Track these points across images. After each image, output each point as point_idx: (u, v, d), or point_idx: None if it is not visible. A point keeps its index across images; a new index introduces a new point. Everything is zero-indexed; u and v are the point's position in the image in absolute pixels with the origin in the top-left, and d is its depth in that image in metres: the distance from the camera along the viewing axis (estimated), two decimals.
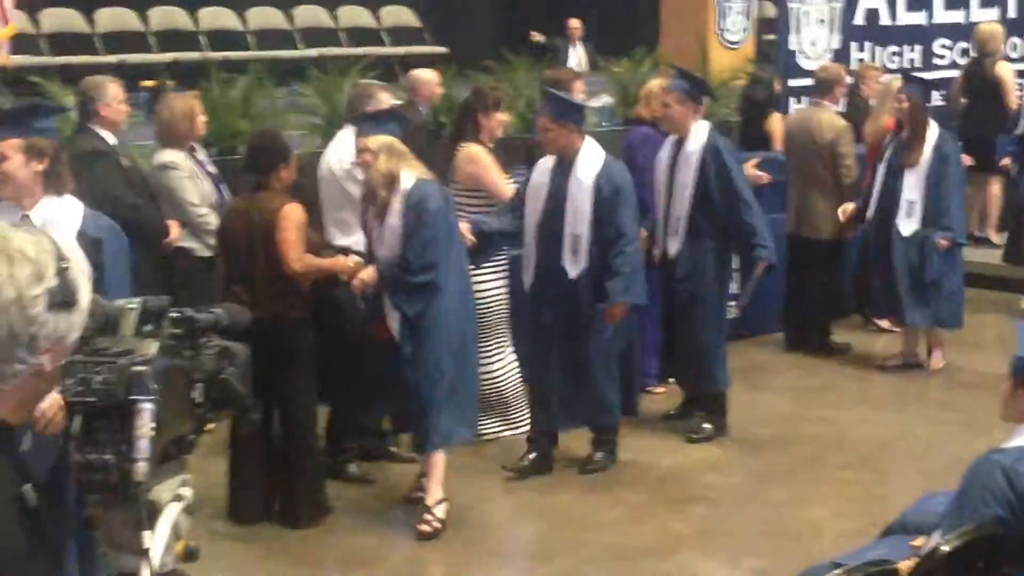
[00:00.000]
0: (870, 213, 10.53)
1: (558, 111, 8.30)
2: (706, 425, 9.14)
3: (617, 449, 8.58)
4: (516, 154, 9.77)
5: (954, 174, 10.36)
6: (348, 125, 8.40)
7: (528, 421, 8.68)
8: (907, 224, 10.28)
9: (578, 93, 9.73)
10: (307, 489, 7.69)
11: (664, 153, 9.29)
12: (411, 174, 7.35)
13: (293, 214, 7.36)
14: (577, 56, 17.99)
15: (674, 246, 9.18)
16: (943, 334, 10.67)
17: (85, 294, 2.77)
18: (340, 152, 8.31)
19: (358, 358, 7.99)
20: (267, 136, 7.87)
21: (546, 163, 8.36)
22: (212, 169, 8.81)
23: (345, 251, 7.96)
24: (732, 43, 15.62)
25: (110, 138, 8.38)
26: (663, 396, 9.92)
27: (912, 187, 10.25)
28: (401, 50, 17.93)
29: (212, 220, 8.41)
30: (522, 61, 13.57)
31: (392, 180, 7.31)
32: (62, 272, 2.71)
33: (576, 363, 8.32)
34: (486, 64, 13.48)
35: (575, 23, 18.18)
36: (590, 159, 8.25)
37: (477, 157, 8.67)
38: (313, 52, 17.12)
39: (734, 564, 7.38)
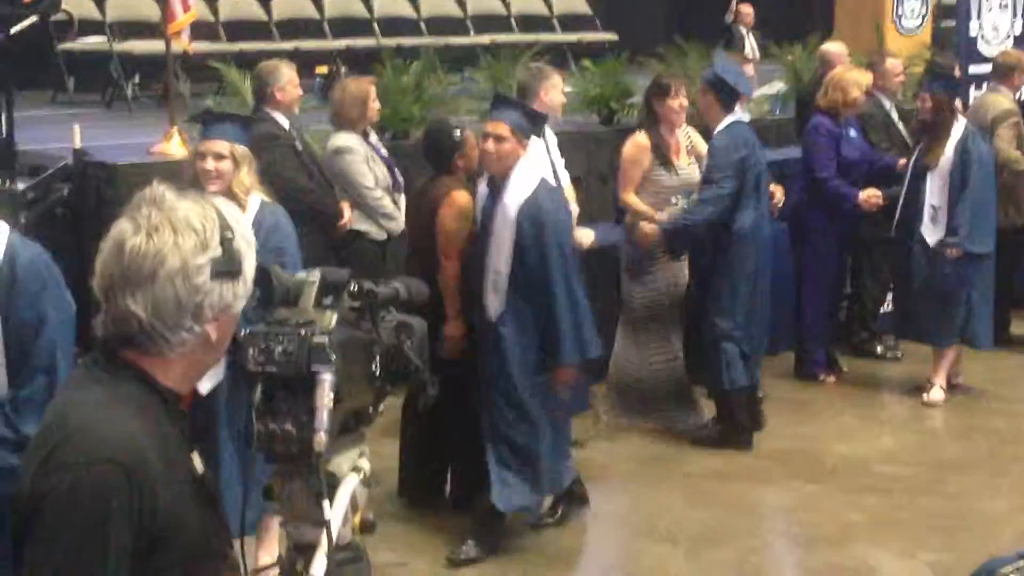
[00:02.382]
0: (896, 219, 9.74)
1: (519, 121, 7.05)
2: None
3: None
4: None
5: (976, 176, 9.37)
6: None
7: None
8: (932, 232, 9.47)
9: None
10: (479, 469, 7.70)
11: None
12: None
13: (458, 200, 7.37)
14: (750, 43, 17.78)
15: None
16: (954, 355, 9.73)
17: (249, 264, 2.78)
18: None
19: None
20: (440, 129, 7.83)
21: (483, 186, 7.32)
22: (384, 153, 8.86)
23: None
24: (909, 30, 15.32)
25: (284, 121, 8.47)
26: (834, 384, 9.81)
27: (935, 192, 9.45)
28: (572, 37, 17.85)
29: (387, 203, 8.47)
30: (694, 47, 13.43)
31: None
32: (226, 242, 2.72)
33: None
34: (657, 51, 13.37)
35: (747, 9, 17.96)
36: (521, 183, 7.04)
37: (626, 149, 8.73)
38: (485, 39, 17.13)
39: (908, 556, 7.23)
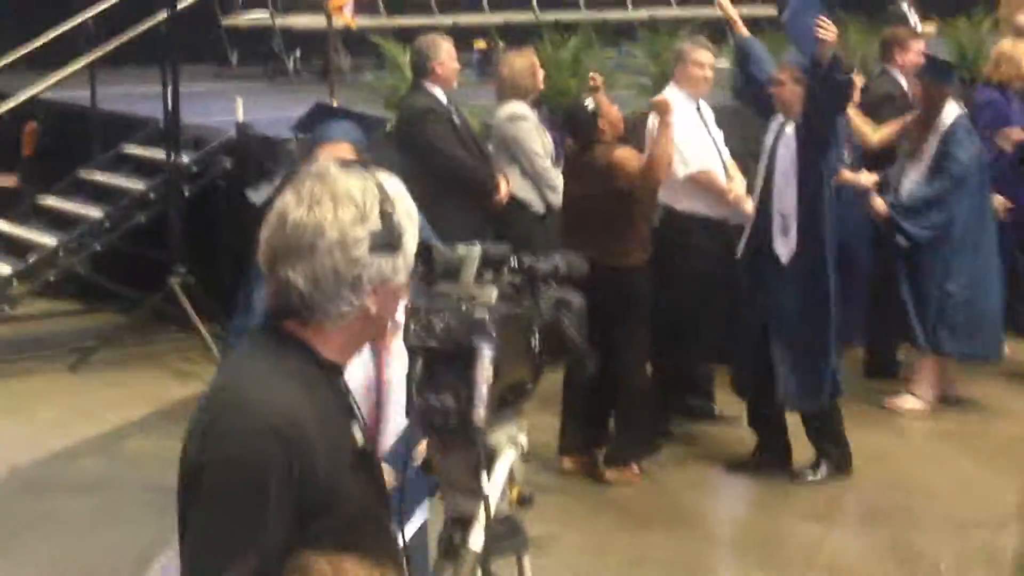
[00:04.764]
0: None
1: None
2: None
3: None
4: None
5: (950, 169, 8.64)
6: (672, 85, 8.39)
7: None
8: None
9: (915, 54, 9.46)
10: (634, 438, 7.77)
11: None
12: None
13: (625, 154, 7.56)
14: (913, 17, 17.44)
15: None
16: (942, 364, 9.06)
17: (410, 238, 2.80)
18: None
19: (695, 311, 8.06)
20: (574, 105, 7.92)
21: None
22: (547, 125, 8.91)
23: None
24: None
25: (442, 95, 8.53)
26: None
27: (916, 183, 8.79)
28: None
29: (553, 174, 8.51)
30: (853, 20, 13.23)
31: None
32: (386, 215, 2.75)
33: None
34: None
35: None
36: None
37: None
38: (643, 13, 17.08)
39: None
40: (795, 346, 7.63)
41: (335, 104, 5.87)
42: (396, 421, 4.27)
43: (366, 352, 4.11)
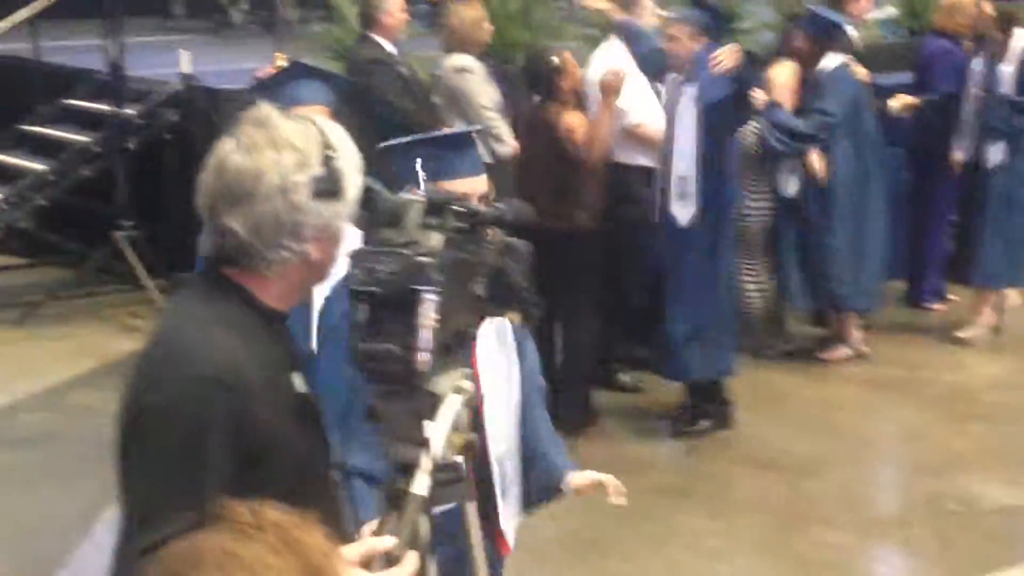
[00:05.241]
0: None
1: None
2: None
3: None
4: None
5: (816, 117, 8.58)
6: (614, 36, 8.37)
7: None
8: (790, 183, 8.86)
9: (866, 2, 9.48)
10: (574, 399, 7.76)
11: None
12: None
13: (575, 121, 7.54)
14: None
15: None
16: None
17: (352, 184, 2.78)
18: (605, 62, 8.24)
19: (640, 267, 8.07)
20: (538, 57, 7.91)
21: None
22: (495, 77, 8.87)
23: None
24: None
25: (389, 47, 8.48)
26: (943, 313, 9.73)
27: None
28: None
29: (500, 125, 8.48)
30: None
31: None
32: (328, 161, 2.72)
33: None
34: None
35: None
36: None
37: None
38: None
39: (1015, 485, 7.16)
40: (689, 315, 7.60)
41: (308, 64, 5.60)
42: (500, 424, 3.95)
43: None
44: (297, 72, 5.49)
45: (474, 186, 3.89)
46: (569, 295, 7.52)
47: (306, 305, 4.02)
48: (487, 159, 8.55)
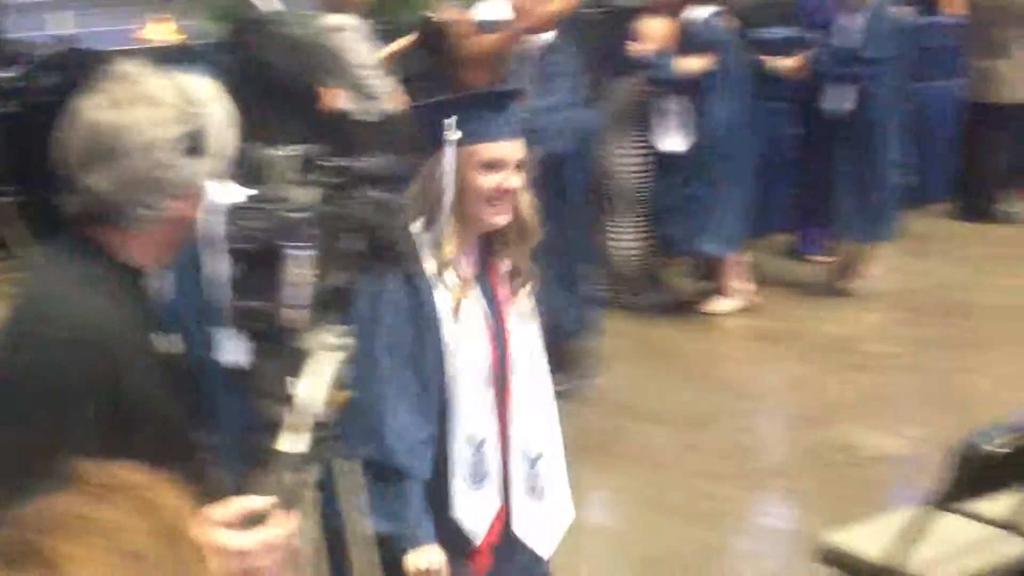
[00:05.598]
0: None
1: None
2: None
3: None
4: None
5: None
6: None
7: None
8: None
9: None
10: None
11: None
12: None
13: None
14: None
15: None
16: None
17: (220, 140, 2.76)
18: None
19: None
20: (423, 20, 7.89)
21: None
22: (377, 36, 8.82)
23: None
24: None
25: (270, 5, 8.40)
26: (826, 265, 9.85)
27: None
28: None
29: (376, 83, 8.43)
30: None
31: None
32: (193, 118, 2.70)
33: None
34: None
35: None
36: None
37: None
38: None
39: (894, 432, 7.28)
40: (554, 268, 7.61)
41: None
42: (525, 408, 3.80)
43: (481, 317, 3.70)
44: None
45: (512, 150, 3.64)
46: None
47: (196, 266, 3.99)
48: (365, 117, 8.55)
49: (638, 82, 8.55)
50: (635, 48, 8.27)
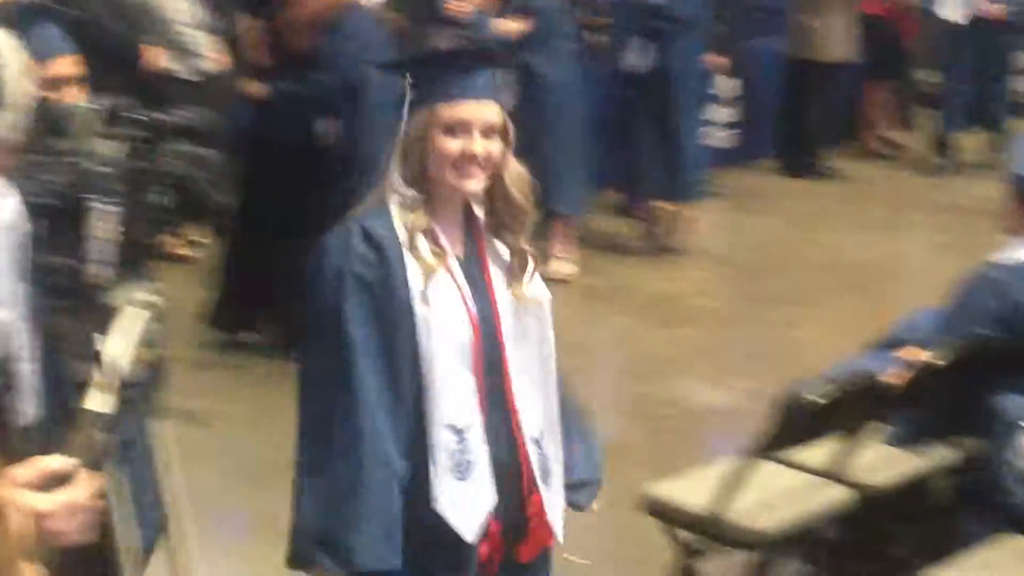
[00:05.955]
0: None
1: None
2: None
3: None
4: None
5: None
6: None
7: None
8: None
9: None
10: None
11: None
12: None
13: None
14: None
15: None
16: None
17: (19, 93, 2.67)
18: None
19: None
20: None
21: None
22: None
23: None
24: None
25: None
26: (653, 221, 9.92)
27: None
28: None
29: (198, 40, 8.28)
30: None
31: None
32: None
33: None
34: None
35: None
36: None
37: None
38: None
39: (721, 385, 7.35)
40: None
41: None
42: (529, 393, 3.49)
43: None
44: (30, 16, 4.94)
45: (476, 112, 3.30)
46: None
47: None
48: (188, 76, 8.40)
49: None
50: (454, 7, 8.21)
